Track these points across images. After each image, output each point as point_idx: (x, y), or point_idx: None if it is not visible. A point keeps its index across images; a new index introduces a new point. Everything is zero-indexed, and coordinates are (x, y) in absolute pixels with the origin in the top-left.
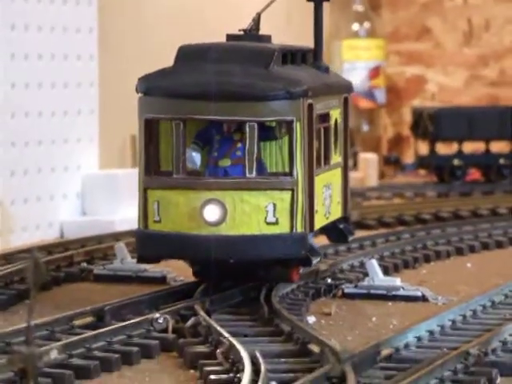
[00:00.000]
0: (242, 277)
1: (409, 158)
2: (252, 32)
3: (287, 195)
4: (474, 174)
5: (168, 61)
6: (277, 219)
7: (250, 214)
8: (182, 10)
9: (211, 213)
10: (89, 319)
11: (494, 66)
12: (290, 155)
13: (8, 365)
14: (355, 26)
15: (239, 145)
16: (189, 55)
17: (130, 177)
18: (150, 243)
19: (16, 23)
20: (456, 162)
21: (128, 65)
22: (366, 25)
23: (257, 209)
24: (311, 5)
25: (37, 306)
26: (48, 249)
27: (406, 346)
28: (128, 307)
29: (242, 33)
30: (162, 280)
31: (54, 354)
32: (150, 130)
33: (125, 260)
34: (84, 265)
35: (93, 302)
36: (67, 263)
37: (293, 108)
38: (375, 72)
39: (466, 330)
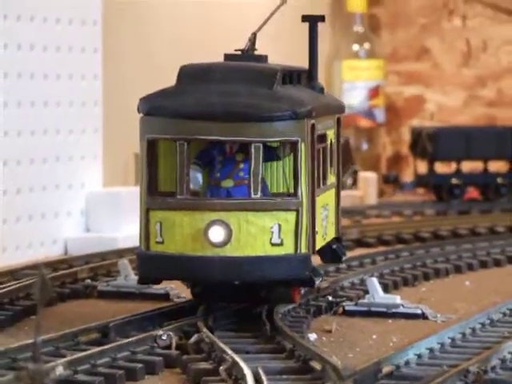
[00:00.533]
0: (244, 298)
1: (408, 177)
2: (250, 52)
3: (292, 216)
4: (473, 192)
5: (170, 81)
6: (282, 240)
7: (255, 235)
8: (184, 31)
9: (216, 234)
10: (93, 335)
11: (491, 86)
12: (295, 176)
13: (15, 381)
14: (355, 47)
15: (242, 165)
16: (191, 75)
17: (133, 195)
18: (152, 264)
19: (22, 43)
20: (454, 180)
21: (132, 84)
22: (366, 46)
23: (262, 230)
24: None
25: (43, 322)
26: (53, 265)
27: (407, 363)
28: (132, 324)
29: (239, 53)
30: (166, 297)
31: (59, 370)
32: (153, 150)
33: (128, 277)
34: (88, 281)
35: (97, 319)
36: (71, 280)
37: (298, 128)
38: (375, 92)
39: (466, 348)
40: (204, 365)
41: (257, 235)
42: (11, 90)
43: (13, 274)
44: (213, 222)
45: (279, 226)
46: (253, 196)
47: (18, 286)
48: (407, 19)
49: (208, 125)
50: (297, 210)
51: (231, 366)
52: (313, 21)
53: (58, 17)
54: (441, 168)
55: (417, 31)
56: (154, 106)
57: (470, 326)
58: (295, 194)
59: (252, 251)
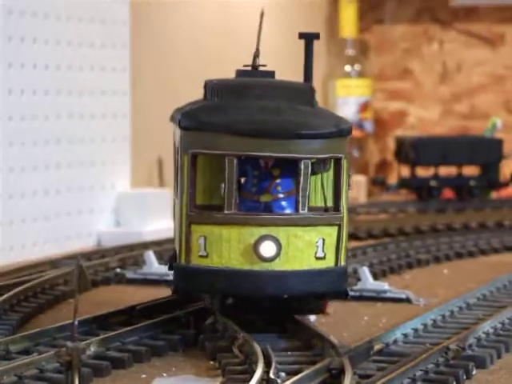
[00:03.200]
0: (275, 310)
1: (393, 180)
2: (261, 67)
3: (334, 230)
4: (448, 193)
5: (189, 96)
6: (325, 254)
7: (302, 249)
8: (200, 52)
9: (268, 249)
10: (123, 317)
11: (465, 101)
12: (337, 191)
13: (55, 357)
14: (347, 68)
15: (279, 180)
16: (229, 91)
17: (157, 195)
18: (194, 278)
19: (61, 64)
20: (433, 183)
21: (155, 99)
22: (357, 67)
23: (308, 244)
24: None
25: (79, 305)
26: (87, 256)
27: (395, 341)
28: (156, 307)
29: (249, 68)
30: None
31: (93, 348)
32: (196, 164)
33: (153, 265)
34: (118, 270)
35: (126, 302)
36: (103, 268)
37: (342, 145)
38: (364, 106)
39: (446, 328)
40: (219, 343)
41: (303, 249)
42: (53, 105)
43: (53, 263)
44: (263, 237)
45: (323, 240)
46: (301, 211)
47: (57, 273)
48: (392, 44)
49: (259, 141)
50: (339, 225)
51: (243, 343)
52: (309, 38)
53: (92, 41)
54: (421, 172)
55: (400, 54)
56: (201, 121)
57: (448, 309)
58: (337, 209)
59: (299, 265)
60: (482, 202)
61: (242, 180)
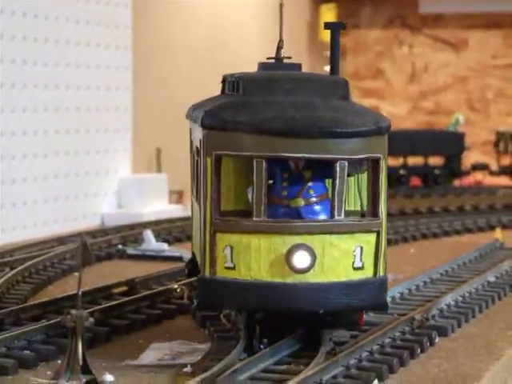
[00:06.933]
0: (308, 324)
1: None
2: (286, 60)
3: (373, 238)
4: (416, 181)
5: (183, 92)
6: (363, 264)
7: (338, 259)
8: (192, 53)
9: (302, 259)
10: (123, 288)
11: (431, 99)
12: (375, 195)
13: (61, 323)
14: (327, 68)
15: (310, 183)
16: (255, 86)
17: (155, 180)
18: (220, 292)
19: (70, 62)
20: (402, 171)
21: (154, 95)
22: None
23: (346, 253)
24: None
25: (83, 278)
26: (92, 234)
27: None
28: (154, 279)
29: (272, 61)
30: (179, 259)
31: (96, 315)
32: (220, 167)
33: (151, 243)
34: (119, 246)
35: (126, 275)
36: (107, 245)
37: (381, 145)
38: None
39: (412, 301)
40: (208, 312)
41: (340, 259)
42: (63, 99)
43: (61, 240)
44: (296, 247)
45: (361, 248)
46: (336, 217)
47: (65, 249)
48: (366, 47)
49: (290, 141)
50: (378, 232)
51: (229, 313)
52: (334, 28)
53: (98, 43)
54: (391, 162)
55: (374, 56)
56: (225, 120)
57: (414, 283)
58: (376, 214)
59: (335, 277)
60: (445, 188)
61: (269, 182)
